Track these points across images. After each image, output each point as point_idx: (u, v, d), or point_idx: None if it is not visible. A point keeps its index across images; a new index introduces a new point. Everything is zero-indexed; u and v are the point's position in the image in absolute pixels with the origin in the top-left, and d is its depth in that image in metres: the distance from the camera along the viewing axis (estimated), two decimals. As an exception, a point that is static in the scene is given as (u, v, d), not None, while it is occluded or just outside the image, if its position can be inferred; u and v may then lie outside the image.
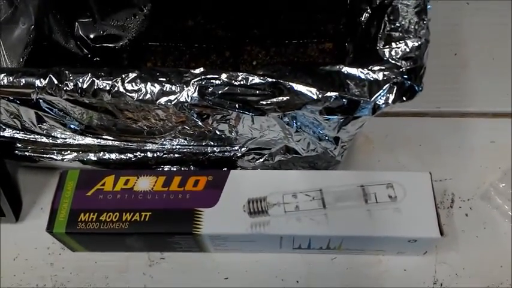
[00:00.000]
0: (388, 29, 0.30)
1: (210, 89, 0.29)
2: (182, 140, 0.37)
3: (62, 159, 0.40)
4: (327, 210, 0.36)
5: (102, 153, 0.39)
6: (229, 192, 0.37)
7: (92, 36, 0.42)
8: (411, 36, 0.29)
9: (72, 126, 0.36)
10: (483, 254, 0.39)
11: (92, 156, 0.39)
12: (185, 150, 0.38)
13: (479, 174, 0.42)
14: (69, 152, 0.40)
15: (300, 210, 0.36)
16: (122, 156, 0.39)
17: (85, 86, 0.29)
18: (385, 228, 0.35)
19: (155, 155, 0.39)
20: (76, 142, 0.38)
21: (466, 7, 0.52)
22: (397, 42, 0.29)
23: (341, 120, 0.31)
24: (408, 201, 0.35)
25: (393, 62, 0.29)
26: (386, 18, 0.30)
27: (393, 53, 0.29)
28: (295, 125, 0.33)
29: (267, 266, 0.39)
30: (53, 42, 0.41)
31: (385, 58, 0.29)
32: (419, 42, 0.29)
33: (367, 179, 0.37)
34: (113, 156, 0.39)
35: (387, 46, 0.29)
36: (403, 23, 0.29)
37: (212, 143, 0.38)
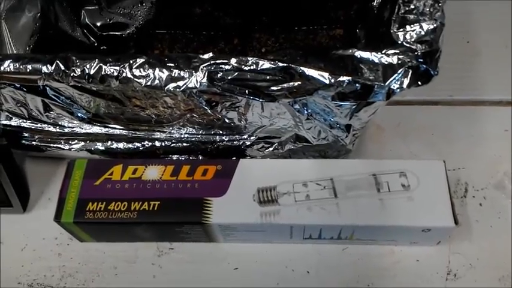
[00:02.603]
0: (402, 11, 0.29)
1: (219, 75, 0.28)
2: (191, 129, 0.37)
3: (70, 149, 0.40)
4: (338, 199, 0.35)
5: (109, 142, 0.39)
6: (239, 181, 0.36)
7: (98, 24, 0.41)
8: (426, 19, 0.28)
9: (79, 114, 0.36)
10: (497, 244, 0.38)
11: (99, 146, 0.39)
12: (194, 139, 0.38)
13: (493, 164, 0.42)
14: (76, 141, 0.39)
15: (311, 199, 0.35)
16: (130, 146, 0.39)
17: (92, 71, 0.29)
18: (398, 218, 0.34)
19: (163, 144, 0.38)
20: (83, 131, 0.38)
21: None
22: (412, 25, 0.28)
23: (353, 107, 0.31)
24: (422, 190, 0.35)
25: (408, 45, 0.28)
26: (400, 1, 0.29)
27: (408, 36, 0.28)
28: (306, 112, 0.32)
29: (277, 256, 0.39)
30: (59, 31, 0.40)
31: (400, 41, 0.28)
32: (435, 25, 0.28)
33: (380, 167, 0.36)
34: (121, 145, 0.39)
35: (401, 29, 0.28)
36: (417, 5, 0.29)
37: (221, 132, 0.37)
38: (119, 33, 0.41)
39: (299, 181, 0.36)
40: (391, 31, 0.29)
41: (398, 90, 0.27)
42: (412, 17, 0.28)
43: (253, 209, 0.35)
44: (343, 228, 0.35)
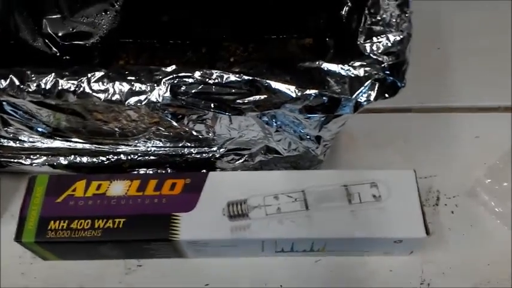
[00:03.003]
0: (368, 22, 0.28)
1: (182, 88, 0.27)
2: (157, 142, 0.35)
3: (31, 164, 0.38)
4: (310, 211, 0.34)
5: (73, 156, 0.37)
6: (208, 195, 0.35)
7: (61, 33, 0.39)
8: (393, 30, 0.28)
9: (39, 129, 0.34)
10: (470, 252, 0.38)
11: (62, 160, 0.37)
12: (161, 152, 0.36)
13: (464, 171, 0.41)
14: (38, 156, 0.38)
15: (282, 212, 0.34)
16: (94, 160, 0.37)
17: (48, 86, 0.28)
18: (370, 229, 0.33)
19: (129, 157, 0.37)
20: (45, 145, 0.36)
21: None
22: (378, 37, 0.28)
23: (322, 119, 0.30)
24: (393, 200, 0.34)
25: (375, 57, 0.27)
26: (366, 12, 0.28)
27: (374, 47, 0.28)
28: (274, 124, 0.32)
29: (249, 270, 0.38)
30: (20, 41, 0.38)
31: (366, 53, 0.28)
32: (401, 36, 0.28)
33: (351, 178, 0.35)
34: (85, 159, 0.37)
35: (368, 41, 0.28)
36: (384, 16, 0.28)
37: (189, 144, 0.36)
38: (82, 42, 0.39)
39: (270, 194, 0.35)
40: (358, 42, 0.28)
41: (365, 103, 0.27)
42: (378, 28, 0.28)
43: (223, 223, 0.34)
44: (315, 241, 0.34)
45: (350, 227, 0.34)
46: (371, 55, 0.28)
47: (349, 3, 0.34)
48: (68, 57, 0.39)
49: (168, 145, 0.36)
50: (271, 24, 0.39)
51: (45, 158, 0.37)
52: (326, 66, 0.27)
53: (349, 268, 0.37)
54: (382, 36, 0.28)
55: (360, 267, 0.37)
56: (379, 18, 0.28)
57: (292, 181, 0.35)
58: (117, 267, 0.38)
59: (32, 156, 0.38)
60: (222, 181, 0.36)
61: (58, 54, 0.39)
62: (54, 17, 0.40)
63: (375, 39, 0.28)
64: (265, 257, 0.38)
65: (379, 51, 0.28)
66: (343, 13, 0.35)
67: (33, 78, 0.28)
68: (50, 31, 0.40)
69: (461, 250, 0.38)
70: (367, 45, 0.28)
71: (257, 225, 0.34)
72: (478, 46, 0.48)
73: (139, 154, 0.36)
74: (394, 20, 0.28)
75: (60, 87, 0.27)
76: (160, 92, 0.27)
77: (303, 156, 0.36)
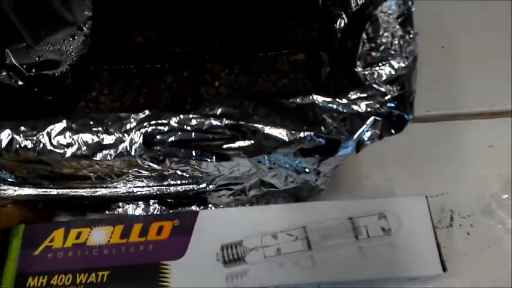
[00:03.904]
0: (367, 46, 0.25)
1: (158, 137, 0.24)
2: (139, 183, 0.32)
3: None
4: (313, 251, 0.31)
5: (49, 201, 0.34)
6: (199, 238, 0.32)
7: (26, 64, 0.36)
8: (396, 55, 0.24)
9: (8, 179, 0.31)
10: (490, 277, 0.35)
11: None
12: (144, 192, 0.33)
13: (478, 185, 0.38)
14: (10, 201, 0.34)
15: (282, 253, 0.31)
16: (72, 203, 0.34)
17: (4, 144, 0.24)
18: (381, 269, 0.30)
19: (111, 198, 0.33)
20: (16, 193, 0.33)
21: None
22: (380, 63, 0.24)
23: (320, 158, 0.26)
24: (404, 233, 0.31)
25: (376, 87, 0.24)
26: (364, 35, 0.24)
27: (376, 75, 0.24)
28: (267, 162, 0.28)
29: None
30: (-19, 76, 0.35)
31: (367, 83, 0.24)
32: (406, 63, 0.24)
33: (356, 209, 0.32)
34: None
35: (368, 68, 0.24)
36: (383, 40, 0.24)
37: (175, 182, 0.33)
38: (50, 72, 0.35)
39: (268, 232, 0.32)
40: (356, 70, 0.24)
41: (369, 142, 0.23)
42: (379, 54, 0.24)
43: (218, 270, 0.31)
44: (320, 284, 0.31)
45: (358, 267, 0.30)
46: (372, 85, 0.24)
47: (343, 17, 0.30)
48: (36, 89, 0.36)
49: (151, 184, 0.32)
50: (259, 40, 0.35)
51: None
52: (321, 100, 0.24)
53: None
54: (383, 62, 0.24)
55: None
56: (379, 42, 0.24)
57: (291, 216, 0.32)
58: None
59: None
60: (214, 220, 0.32)
61: (25, 86, 0.36)
62: (17, 46, 0.36)
63: (375, 66, 0.24)
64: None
65: (382, 80, 0.24)
66: (336, 26, 0.31)
67: (-14, 136, 0.24)
68: (14, 62, 0.36)
69: (480, 276, 0.35)
70: (367, 73, 0.24)
71: (255, 271, 0.31)
72: (486, 44, 0.44)
73: (121, 195, 0.33)
74: (396, 42, 0.24)
75: (17, 146, 0.24)
76: (132, 143, 0.24)
77: (301, 187, 0.33)
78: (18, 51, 0.36)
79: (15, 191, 0.33)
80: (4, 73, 0.35)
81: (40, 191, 0.33)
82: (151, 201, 0.36)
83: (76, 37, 0.35)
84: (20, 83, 0.35)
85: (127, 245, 0.32)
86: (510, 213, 0.36)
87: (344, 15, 0.29)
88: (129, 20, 0.36)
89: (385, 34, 0.25)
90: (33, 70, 0.36)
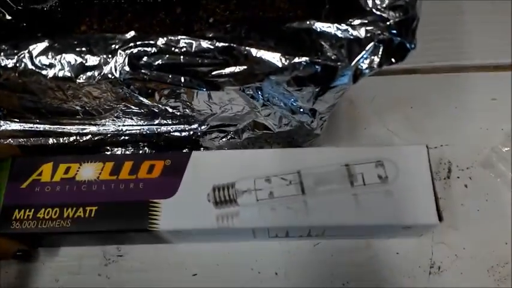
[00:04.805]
0: (370, -31, 0.23)
1: (144, 59, 0.23)
2: (129, 121, 0.31)
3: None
4: (306, 196, 0.30)
5: (35, 139, 0.33)
6: (191, 178, 0.31)
7: (13, -4, 0.34)
8: (400, -22, 0.22)
9: (-9, 110, 0.30)
10: (485, 230, 0.34)
11: (24, 142, 0.33)
12: (134, 131, 0.32)
13: (479, 138, 0.37)
14: (-3, 139, 0.33)
15: (275, 197, 0.30)
16: (60, 140, 0.33)
17: (-16, 64, 0.23)
18: (375, 216, 0.29)
19: (99, 138, 0.32)
20: (2, 128, 0.32)
21: None
22: (383, -13, 0.22)
23: (316, 90, 0.25)
24: (401, 181, 0.30)
25: (378, 13, 0.22)
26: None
27: (378, 1, 0.23)
28: (261, 98, 0.27)
29: (240, 257, 0.34)
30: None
31: (368, 8, 0.22)
32: (411, -14, 0.22)
33: (353, 156, 0.31)
34: (50, 141, 0.33)
35: (371, -8, 0.23)
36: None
37: (165, 122, 0.31)
38: (39, 6, 0.34)
39: (261, 176, 0.31)
40: (359, -5, 0.23)
41: (367, 71, 0.22)
42: (382, -24, 0.23)
43: (208, 211, 0.30)
44: (312, 228, 0.30)
45: (352, 213, 0.29)
46: (374, 10, 0.22)
47: None
48: (24, 24, 0.34)
49: (141, 123, 0.31)
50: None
51: (4, 141, 0.33)
52: (319, 26, 0.22)
53: (351, 252, 0.34)
54: (387, -14, 0.22)
55: (363, 251, 0.34)
56: (383, -37, 0.23)
57: (286, 161, 0.31)
58: (96, 259, 0.35)
59: (-10, 139, 0.33)
60: (207, 162, 0.31)
61: (13, 20, 0.34)
62: (3, -23, 0.34)
63: (378, -10, 0.23)
64: (258, 241, 0.34)
65: (384, 5, 0.22)
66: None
67: (-35, 54, 0.23)
68: (0, -5, 0.34)
69: (476, 228, 0.34)
70: (369, -1, 0.23)
71: (247, 213, 0.30)
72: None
73: (108, 135, 0.32)
74: (401, -34, 0.23)
75: (-3, 65, 0.23)
76: (116, 65, 0.22)
77: (296, 131, 0.32)
78: (5, -17, 0.34)
79: (0, 126, 0.32)
80: (-10, 6, 0.34)
81: (27, 126, 0.32)
82: (141, 144, 0.35)
83: (65, -32, 0.34)
84: (8, 17, 0.34)
85: (116, 181, 0.31)
86: (510, 166, 0.35)
87: None
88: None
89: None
90: (21, 4, 0.34)
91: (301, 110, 0.29)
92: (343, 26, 0.22)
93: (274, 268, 0.34)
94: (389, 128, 0.38)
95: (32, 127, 0.32)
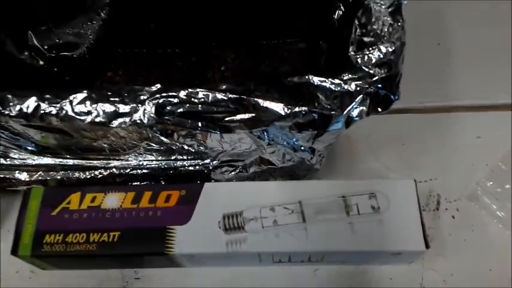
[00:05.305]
0: (359, 33, 0.27)
1: (168, 108, 0.27)
2: (149, 156, 0.35)
3: (24, 180, 0.37)
4: (307, 224, 0.34)
5: (64, 172, 0.37)
6: (203, 207, 0.34)
7: (47, 45, 0.39)
8: (384, 40, 0.27)
9: (28, 147, 0.34)
10: (472, 258, 0.37)
11: (54, 176, 0.37)
12: (153, 165, 0.36)
13: (466, 173, 0.41)
14: (29, 172, 0.37)
15: (279, 224, 0.34)
16: (87, 174, 0.37)
17: (30, 110, 0.27)
18: (368, 243, 0.33)
19: (121, 171, 0.36)
20: (35, 162, 0.36)
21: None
22: (370, 48, 0.27)
23: (315, 133, 0.29)
24: (392, 212, 0.33)
25: (366, 69, 0.26)
26: (357, 22, 0.27)
27: (366, 59, 0.27)
28: (266, 138, 0.31)
29: (247, 280, 0.37)
30: (6, 55, 0.38)
31: (358, 65, 0.27)
32: (394, 47, 0.26)
33: (349, 188, 0.34)
34: (77, 174, 0.37)
35: (359, 52, 0.27)
36: (374, 26, 0.27)
37: (182, 157, 0.35)
38: (69, 53, 0.38)
39: (266, 205, 0.34)
40: (349, 54, 0.27)
41: (357, 118, 0.26)
42: (369, 39, 0.27)
43: (219, 237, 0.33)
44: (312, 254, 0.34)
45: (348, 240, 0.33)
46: (362, 67, 0.27)
47: (341, 8, 0.32)
48: (55, 69, 0.38)
49: (160, 158, 0.35)
50: (262, 29, 0.38)
51: (36, 174, 0.37)
52: (315, 80, 0.26)
53: (349, 277, 0.37)
54: (373, 47, 0.27)
55: (359, 276, 0.37)
56: (369, 28, 0.27)
57: (288, 192, 0.35)
58: (115, 281, 0.38)
59: (24, 173, 0.37)
60: (218, 192, 0.35)
61: (45, 66, 0.39)
62: (39, 29, 0.39)
63: (366, 50, 0.27)
64: (264, 266, 0.37)
65: (371, 63, 0.27)
66: (335, 17, 0.33)
67: (15, 102, 0.27)
68: (36, 43, 0.39)
69: (462, 256, 0.37)
70: (359, 57, 0.27)
71: (253, 239, 0.33)
72: (478, 41, 0.46)
73: (131, 168, 0.36)
74: (386, 30, 0.27)
75: (42, 111, 0.27)
76: (145, 113, 0.27)
77: (298, 166, 0.35)
78: (40, 33, 0.39)
79: (34, 160, 0.36)
80: (27, 53, 0.38)
81: (57, 161, 0.36)
82: (159, 177, 0.38)
83: (94, 21, 0.38)
84: (41, 62, 0.38)
85: (137, 209, 0.34)
86: (494, 199, 0.39)
87: (342, 6, 0.32)
88: (143, 7, 0.39)
89: (376, 22, 0.27)
90: (54, 51, 0.39)
91: (302, 148, 0.32)
92: (337, 81, 0.26)
93: (278, 291, 0.37)
94: (383, 162, 0.41)
95: (61, 162, 0.36)
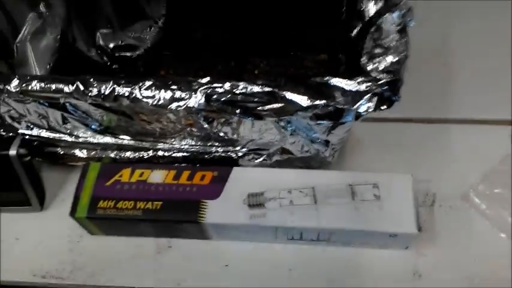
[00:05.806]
0: (371, 46, 0.34)
1: (214, 96, 0.33)
2: (190, 141, 0.42)
3: (82, 157, 0.45)
4: (318, 205, 0.40)
5: (118, 151, 0.44)
6: (232, 186, 0.41)
7: (111, 45, 0.46)
8: (391, 53, 0.33)
9: (93, 126, 0.41)
10: (460, 248, 0.43)
11: (109, 154, 0.44)
12: (192, 149, 0.43)
13: (460, 177, 0.46)
14: (88, 150, 0.44)
15: (294, 204, 0.40)
16: (136, 155, 0.44)
17: (107, 92, 0.34)
18: (369, 223, 0.39)
19: (166, 153, 0.43)
20: (96, 141, 0.43)
21: (456, 17, 0.57)
22: (380, 57, 0.33)
23: (330, 125, 0.36)
24: (391, 200, 0.39)
25: (375, 75, 0.33)
26: (370, 35, 0.34)
27: (375, 67, 0.33)
28: (289, 128, 0.37)
29: (264, 254, 0.43)
30: (76, 51, 0.45)
31: (368, 71, 0.33)
32: (398, 58, 0.33)
33: (356, 179, 0.41)
34: (128, 153, 0.44)
35: (370, 61, 0.34)
36: (384, 41, 0.34)
37: (216, 144, 0.42)
38: (129, 54, 0.46)
39: (285, 188, 0.41)
40: (362, 62, 0.34)
41: (364, 113, 0.32)
42: (380, 50, 0.34)
43: (243, 211, 0.40)
44: (321, 231, 0.40)
45: (352, 220, 0.39)
46: (372, 73, 0.33)
47: (360, 25, 0.39)
48: (116, 66, 0.46)
49: (199, 143, 0.42)
50: (291, 42, 0.45)
51: (94, 151, 0.44)
52: (333, 81, 0.33)
53: (350, 258, 0.43)
54: (382, 57, 0.33)
55: (359, 258, 0.42)
56: (380, 42, 0.34)
57: (304, 179, 0.41)
58: (151, 248, 0.44)
59: (83, 150, 0.44)
60: (244, 175, 0.42)
61: (108, 63, 0.46)
62: (106, 31, 0.46)
63: (375, 60, 0.33)
64: (278, 243, 0.43)
65: (379, 70, 0.33)
66: (353, 34, 0.40)
67: (95, 85, 0.34)
68: (102, 43, 0.46)
69: (452, 246, 0.43)
70: (369, 65, 0.34)
71: (272, 214, 0.40)
72: (480, 62, 0.53)
73: (174, 151, 0.43)
74: (393, 44, 0.34)
75: (116, 93, 0.34)
76: (196, 99, 0.33)
77: (313, 157, 0.42)
78: (106, 35, 0.47)
79: (94, 139, 0.43)
80: (94, 51, 0.46)
81: (114, 140, 0.43)
82: (196, 160, 0.45)
83: (152, 28, 0.46)
84: (105, 59, 0.46)
85: (177, 185, 0.41)
86: (484, 200, 0.44)
87: (360, 24, 0.39)
88: (192, 19, 0.47)
89: (386, 38, 0.34)
90: (116, 51, 0.46)
91: (318, 140, 0.39)
92: (350, 82, 0.33)
93: (289, 266, 0.43)
94: (387, 163, 0.47)
95: (117, 141, 0.43)
